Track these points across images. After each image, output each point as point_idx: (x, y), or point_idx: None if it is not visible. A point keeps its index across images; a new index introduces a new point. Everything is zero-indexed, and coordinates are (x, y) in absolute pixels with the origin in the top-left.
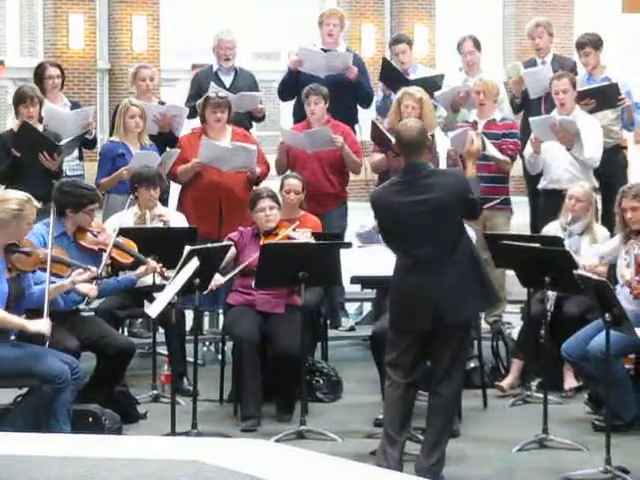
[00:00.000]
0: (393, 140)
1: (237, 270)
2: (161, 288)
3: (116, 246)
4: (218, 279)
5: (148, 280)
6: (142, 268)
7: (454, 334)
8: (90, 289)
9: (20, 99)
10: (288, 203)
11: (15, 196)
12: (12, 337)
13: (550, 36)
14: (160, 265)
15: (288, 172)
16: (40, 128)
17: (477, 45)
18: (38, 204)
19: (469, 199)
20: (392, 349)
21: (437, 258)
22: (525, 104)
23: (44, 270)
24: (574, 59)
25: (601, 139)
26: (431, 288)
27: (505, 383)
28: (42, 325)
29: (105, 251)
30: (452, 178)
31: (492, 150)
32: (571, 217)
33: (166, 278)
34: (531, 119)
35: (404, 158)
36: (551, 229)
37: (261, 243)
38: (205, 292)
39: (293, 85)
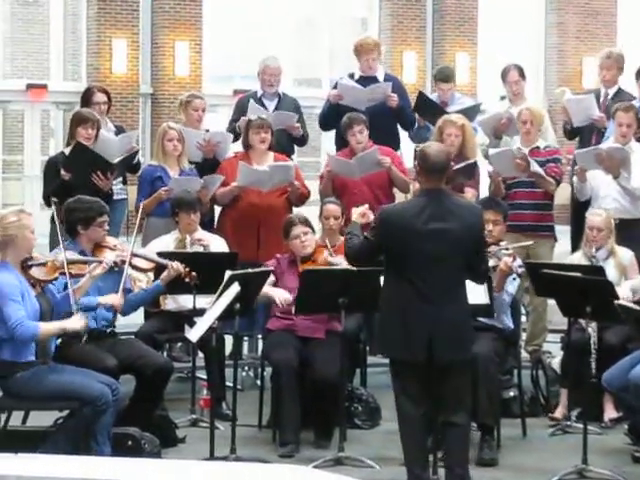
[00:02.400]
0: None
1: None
2: (201, 312)
3: (135, 255)
4: (284, 296)
5: (189, 304)
6: (165, 272)
7: (455, 368)
8: (115, 299)
9: (80, 121)
10: (328, 229)
11: (8, 211)
12: (51, 359)
13: (619, 70)
14: (183, 266)
15: (328, 198)
16: None
17: (522, 74)
18: (31, 212)
19: (482, 252)
20: (395, 377)
21: (440, 291)
22: (578, 130)
23: (64, 275)
24: (635, 95)
25: None
26: (429, 321)
27: (558, 413)
28: (75, 322)
29: (125, 262)
30: (471, 215)
31: (537, 168)
32: (595, 248)
33: (192, 278)
34: (576, 151)
35: (425, 181)
36: (575, 259)
37: (299, 269)
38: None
39: (334, 116)
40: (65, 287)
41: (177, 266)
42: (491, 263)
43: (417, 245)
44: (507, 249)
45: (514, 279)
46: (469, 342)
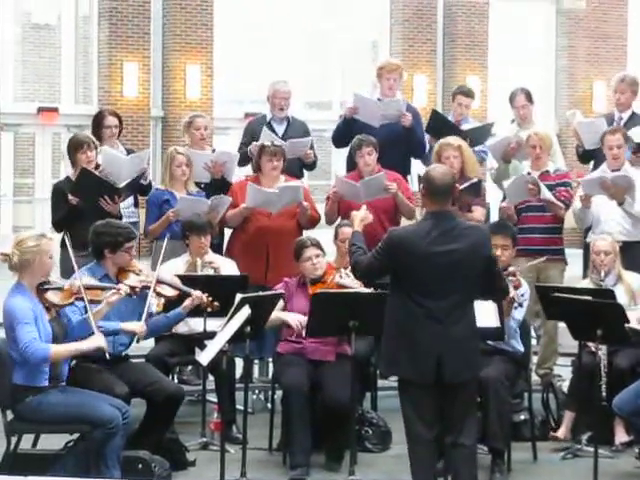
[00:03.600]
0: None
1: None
2: (212, 335)
3: (160, 282)
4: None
5: (199, 327)
6: (188, 300)
7: (462, 387)
8: (137, 326)
9: (76, 146)
10: (343, 251)
11: (29, 235)
12: (63, 383)
13: (633, 94)
14: (206, 295)
15: (342, 220)
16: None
17: (529, 98)
18: (52, 236)
19: (495, 270)
20: (404, 397)
21: (448, 311)
22: (591, 153)
23: (81, 300)
24: None
25: None
26: (438, 342)
27: (559, 433)
28: (96, 340)
29: (149, 288)
30: (478, 235)
31: (547, 194)
32: (603, 273)
33: (213, 308)
34: (581, 180)
35: (431, 204)
36: (584, 286)
37: (310, 291)
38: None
39: (348, 132)
40: (81, 312)
41: (200, 295)
42: None
43: (423, 267)
44: (514, 275)
45: (515, 308)
46: (477, 361)
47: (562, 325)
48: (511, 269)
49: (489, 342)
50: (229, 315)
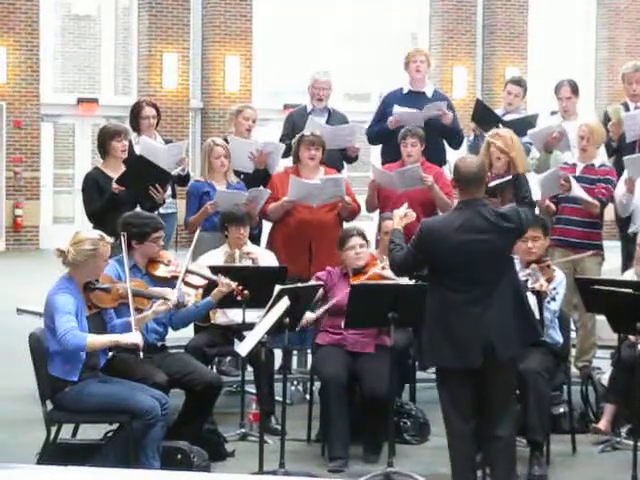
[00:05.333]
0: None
1: (328, 306)
2: (251, 327)
3: (189, 272)
4: (309, 316)
5: (238, 318)
6: (217, 289)
7: (503, 371)
8: (133, 337)
9: (112, 134)
10: (385, 244)
11: (88, 236)
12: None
13: None
14: (236, 283)
15: (386, 213)
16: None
17: (575, 90)
18: (110, 240)
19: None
20: (444, 389)
21: (486, 295)
22: (620, 148)
23: (125, 305)
24: None
25: None
26: (480, 324)
27: (601, 425)
28: (133, 336)
29: (178, 278)
30: (509, 219)
31: (578, 192)
32: None
33: (244, 296)
34: (625, 158)
35: (462, 193)
36: (627, 277)
37: (351, 282)
38: (297, 329)
39: (388, 136)
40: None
41: (228, 283)
42: (529, 283)
43: (455, 255)
44: (548, 267)
45: (549, 302)
46: (518, 339)
47: (600, 318)
48: (545, 262)
49: None
50: (268, 306)
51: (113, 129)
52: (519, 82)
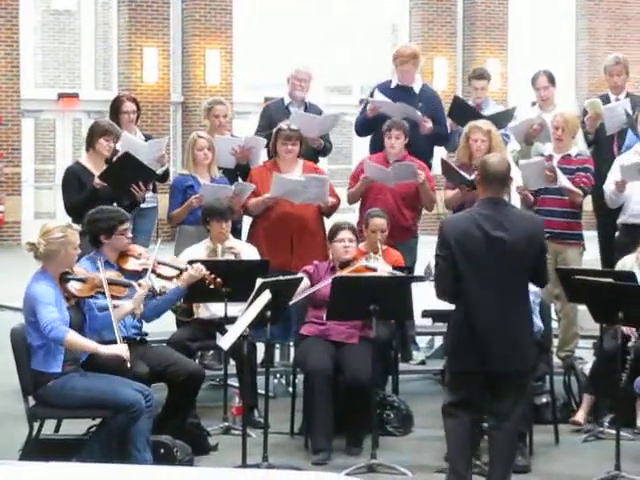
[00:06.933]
0: (464, 174)
1: (306, 293)
2: (233, 320)
3: (159, 263)
4: None
5: (220, 313)
6: (186, 273)
7: (520, 378)
8: (118, 349)
9: (102, 132)
10: (373, 242)
11: (55, 225)
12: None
13: (627, 75)
14: (209, 272)
15: (372, 210)
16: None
17: (551, 80)
18: (78, 227)
19: (542, 260)
20: (456, 391)
21: (505, 301)
22: (597, 140)
23: (101, 294)
24: None
25: None
26: (492, 330)
27: (578, 417)
28: (119, 349)
29: (148, 270)
30: (533, 225)
31: (564, 181)
32: None
33: (217, 284)
34: (622, 165)
35: (484, 191)
36: (627, 262)
37: (337, 274)
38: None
39: (373, 125)
40: (103, 308)
41: (198, 267)
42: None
43: (479, 253)
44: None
45: None
46: (531, 355)
47: (582, 308)
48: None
49: None
50: (250, 300)
51: (106, 127)
52: (481, 75)
